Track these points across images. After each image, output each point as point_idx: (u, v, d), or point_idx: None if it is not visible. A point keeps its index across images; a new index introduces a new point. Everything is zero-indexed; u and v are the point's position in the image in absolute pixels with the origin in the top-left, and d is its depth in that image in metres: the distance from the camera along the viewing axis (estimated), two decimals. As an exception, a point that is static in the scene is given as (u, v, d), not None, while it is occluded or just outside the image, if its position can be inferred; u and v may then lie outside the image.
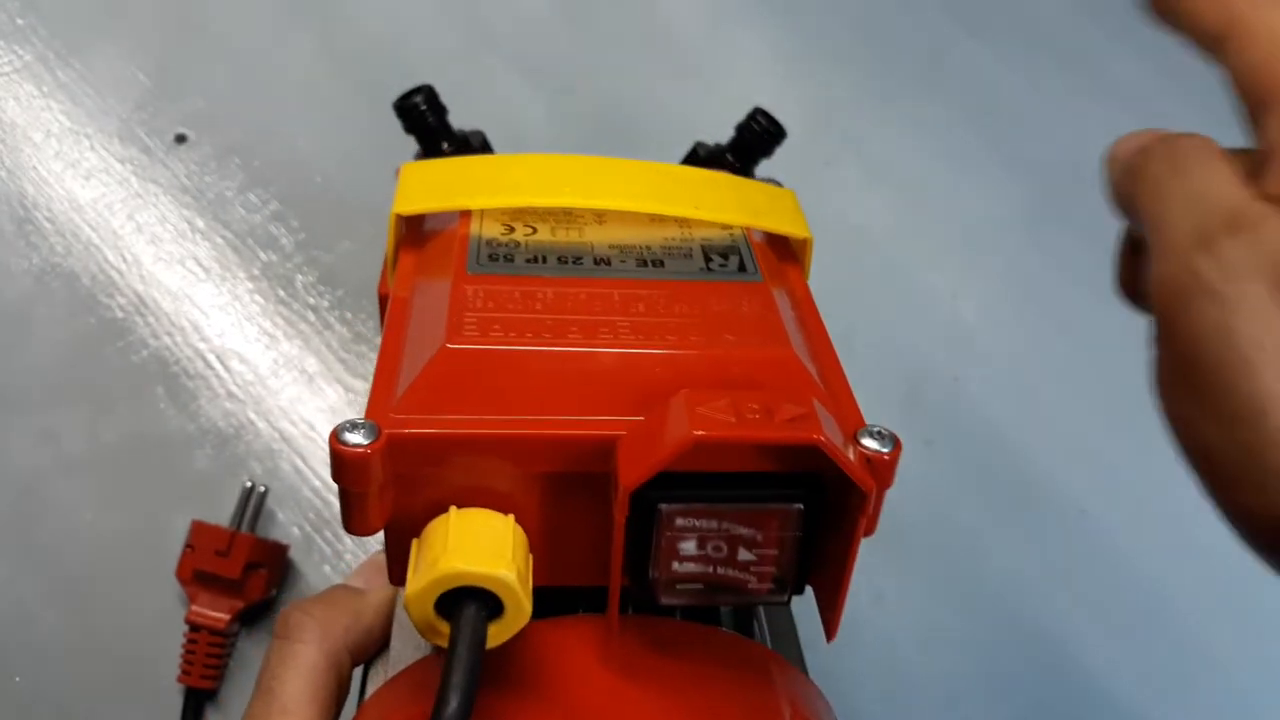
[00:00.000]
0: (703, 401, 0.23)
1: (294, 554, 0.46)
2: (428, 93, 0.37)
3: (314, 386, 0.50)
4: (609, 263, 0.28)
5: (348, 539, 0.47)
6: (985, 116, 0.63)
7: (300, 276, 0.53)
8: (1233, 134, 0.24)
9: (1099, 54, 0.65)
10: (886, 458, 0.24)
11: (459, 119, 0.38)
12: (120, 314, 0.51)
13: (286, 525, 0.47)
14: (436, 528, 0.23)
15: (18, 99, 0.56)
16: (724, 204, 0.31)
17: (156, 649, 0.44)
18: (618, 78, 0.61)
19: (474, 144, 0.38)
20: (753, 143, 0.38)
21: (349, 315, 0.52)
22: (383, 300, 0.31)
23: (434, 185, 0.31)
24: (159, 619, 0.45)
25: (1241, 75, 0.24)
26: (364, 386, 0.50)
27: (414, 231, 0.31)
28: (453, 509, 0.23)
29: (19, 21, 0.58)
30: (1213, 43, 0.24)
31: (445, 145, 0.38)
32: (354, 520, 0.24)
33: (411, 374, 0.24)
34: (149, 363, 0.50)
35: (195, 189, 0.55)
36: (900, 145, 0.61)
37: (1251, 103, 0.24)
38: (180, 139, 0.56)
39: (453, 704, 0.20)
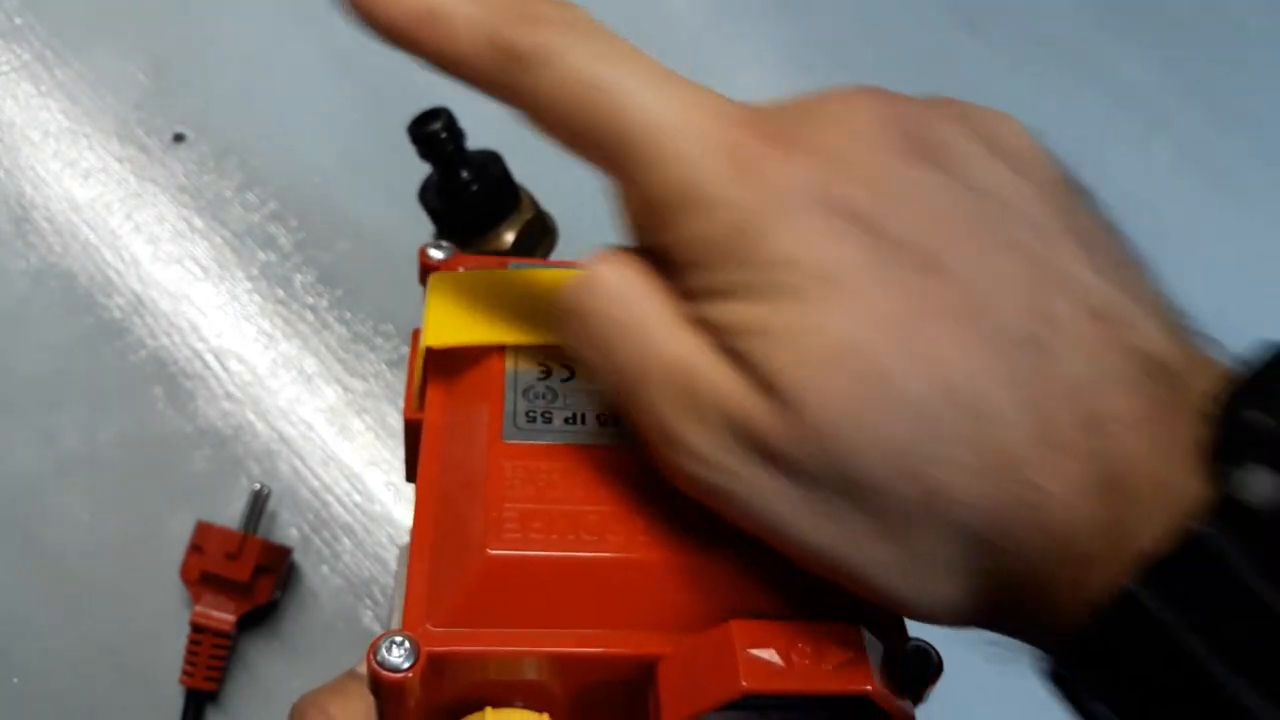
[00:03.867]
0: (751, 640, 0.22)
1: (294, 556, 0.46)
2: (447, 118, 0.35)
3: (312, 386, 0.50)
4: None
5: (345, 539, 0.47)
6: (985, 116, 0.63)
7: (299, 276, 0.53)
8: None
9: (1100, 54, 0.65)
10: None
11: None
12: (118, 314, 0.51)
13: (285, 526, 0.47)
14: None
15: (15, 98, 0.56)
16: None
17: (156, 650, 0.44)
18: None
19: (493, 172, 0.36)
20: None
21: (348, 315, 0.52)
22: (409, 425, 0.30)
23: (466, 312, 0.29)
24: (158, 620, 0.45)
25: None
26: (363, 387, 0.50)
27: (442, 357, 0.29)
28: (488, 710, 0.24)
29: (16, 21, 0.58)
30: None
31: (464, 174, 0.36)
32: None
33: (450, 579, 0.24)
34: (147, 363, 0.50)
35: (194, 188, 0.54)
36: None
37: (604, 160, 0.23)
38: (178, 138, 0.56)
39: None
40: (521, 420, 0.27)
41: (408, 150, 0.38)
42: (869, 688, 0.22)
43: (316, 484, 0.48)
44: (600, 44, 0.22)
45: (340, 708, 0.28)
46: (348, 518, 0.48)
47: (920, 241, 0.21)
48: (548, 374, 0.28)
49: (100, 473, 0.48)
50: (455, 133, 0.35)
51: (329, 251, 0.53)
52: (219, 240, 0.53)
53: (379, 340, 0.51)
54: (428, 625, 0.23)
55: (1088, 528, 0.20)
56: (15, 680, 0.44)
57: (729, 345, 0.21)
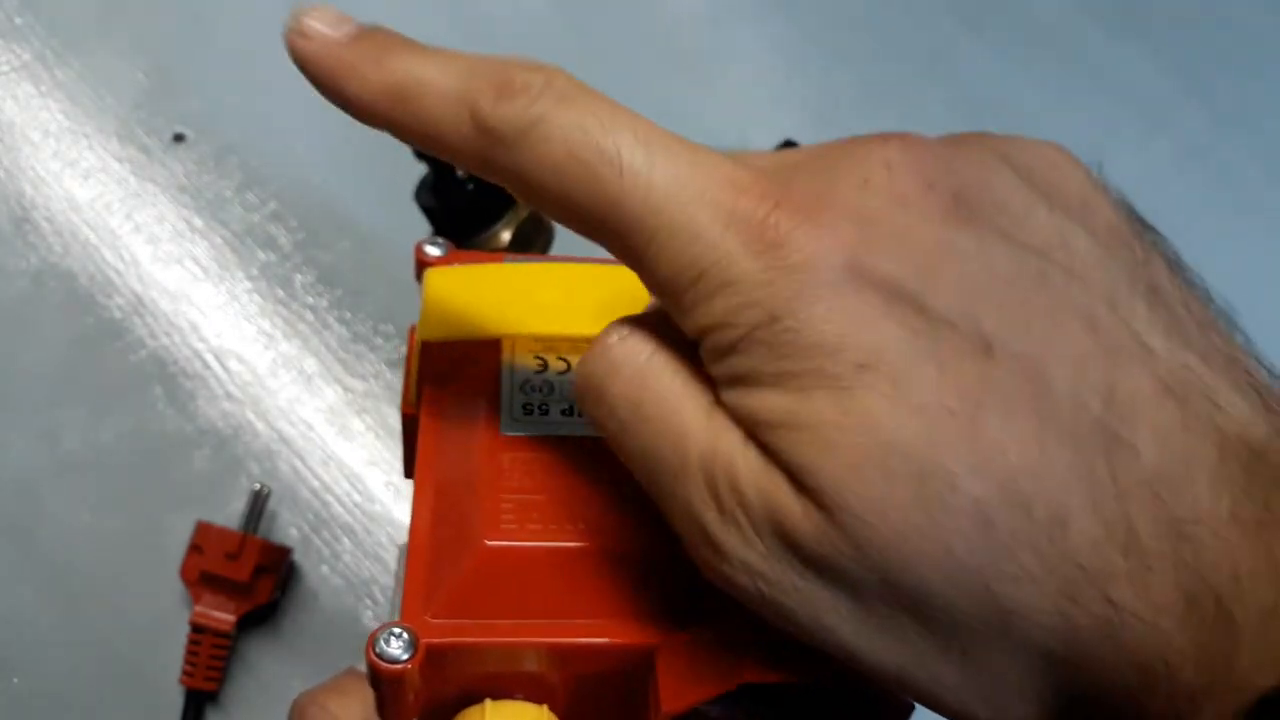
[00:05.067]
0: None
1: (293, 556, 0.46)
2: None
3: (312, 386, 0.50)
4: None
5: (345, 540, 0.47)
6: (985, 116, 0.62)
7: (299, 276, 0.53)
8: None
9: (1099, 54, 0.65)
10: None
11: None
12: (118, 314, 0.51)
13: (285, 526, 0.47)
14: None
15: (15, 98, 0.56)
16: None
17: (156, 650, 0.44)
18: (618, 76, 0.61)
19: None
20: None
21: (348, 315, 0.52)
22: (406, 421, 0.30)
23: (461, 306, 0.29)
24: (158, 620, 0.45)
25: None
26: (363, 387, 0.50)
27: (438, 351, 0.29)
28: (488, 702, 0.24)
29: (17, 21, 0.58)
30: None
31: (459, 173, 0.36)
32: (389, 713, 0.24)
33: (448, 571, 0.24)
34: (147, 363, 0.50)
35: (193, 188, 0.54)
36: (900, 145, 0.61)
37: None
38: (178, 138, 0.56)
39: None
40: (518, 412, 0.27)
41: (408, 150, 0.38)
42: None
43: (316, 484, 0.48)
44: (586, 111, 0.20)
45: (340, 705, 0.28)
46: (348, 518, 0.48)
47: (970, 317, 0.18)
48: (544, 366, 0.28)
49: (100, 473, 0.48)
50: None
51: (329, 251, 0.53)
52: (219, 240, 0.53)
53: (379, 340, 0.51)
54: (426, 617, 0.23)
55: (1180, 655, 0.17)
56: (15, 680, 0.44)
57: (761, 439, 0.19)
